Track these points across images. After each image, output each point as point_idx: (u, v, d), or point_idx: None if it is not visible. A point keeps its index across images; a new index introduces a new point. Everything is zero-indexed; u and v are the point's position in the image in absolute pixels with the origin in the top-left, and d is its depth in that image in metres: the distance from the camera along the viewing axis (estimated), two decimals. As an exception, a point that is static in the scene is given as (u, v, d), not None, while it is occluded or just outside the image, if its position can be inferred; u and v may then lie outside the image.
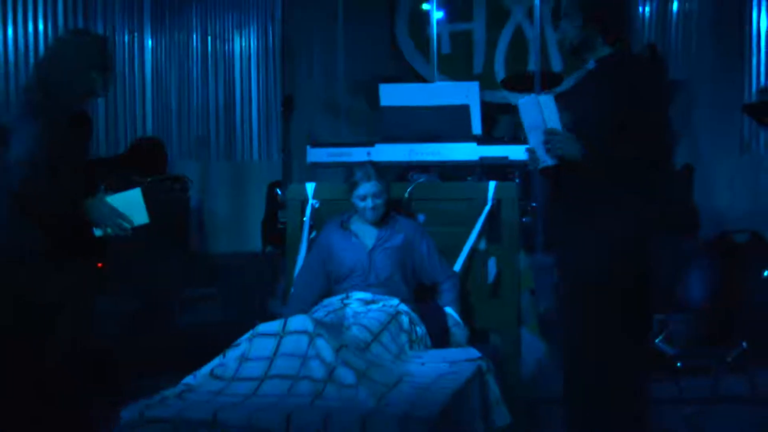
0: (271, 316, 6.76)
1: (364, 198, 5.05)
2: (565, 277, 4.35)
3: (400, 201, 5.34)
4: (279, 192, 8.26)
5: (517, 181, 6.15)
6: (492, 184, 5.23)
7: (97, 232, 4.45)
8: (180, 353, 6.02)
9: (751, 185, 8.57)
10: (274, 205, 8.26)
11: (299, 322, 4.08)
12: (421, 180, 6.29)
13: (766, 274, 4.25)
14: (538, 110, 4.06)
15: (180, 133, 9.16)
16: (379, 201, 5.04)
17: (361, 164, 5.20)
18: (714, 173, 8.41)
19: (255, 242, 8.62)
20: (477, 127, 6.49)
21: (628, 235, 4.12)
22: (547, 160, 4.12)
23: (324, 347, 3.92)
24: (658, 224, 4.27)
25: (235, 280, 7.56)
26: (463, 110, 6.38)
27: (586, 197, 4.15)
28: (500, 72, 9.15)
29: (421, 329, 4.78)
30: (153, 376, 5.38)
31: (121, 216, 4.42)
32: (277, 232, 8.07)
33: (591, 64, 4.28)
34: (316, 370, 3.85)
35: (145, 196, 4.54)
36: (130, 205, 4.45)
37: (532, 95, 4.09)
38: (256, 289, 7.35)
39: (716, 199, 8.41)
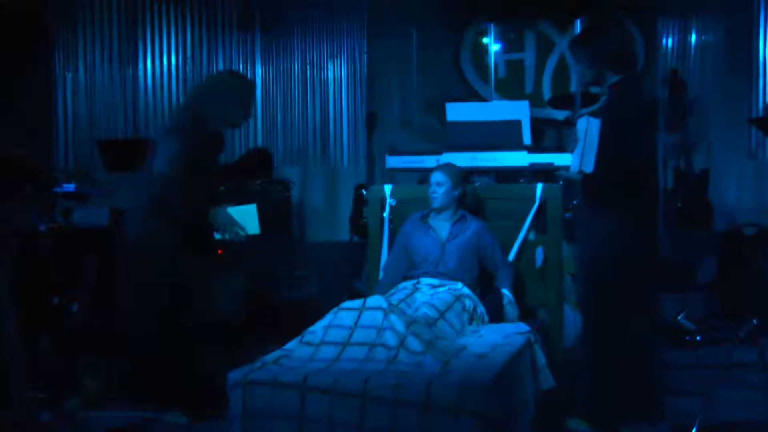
0: (356, 295, 6.72)
1: (431, 185, 4.97)
2: (583, 265, 4.20)
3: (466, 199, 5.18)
4: (364, 192, 8.18)
5: (560, 183, 5.96)
6: (540, 186, 5.11)
7: (217, 236, 4.43)
8: (283, 324, 5.98)
9: (756, 186, 8.30)
10: (359, 203, 8.18)
11: (376, 300, 4.02)
12: (481, 183, 6.18)
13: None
14: (584, 128, 3.93)
15: (284, 144, 9.09)
16: (440, 189, 4.93)
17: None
18: (725, 176, 8.18)
19: (343, 233, 8.54)
20: (527, 138, 6.35)
21: (635, 229, 4.02)
22: (575, 167, 4.00)
23: (396, 321, 3.85)
24: (657, 220, 4.15)
25: (328, 264, 7.47)
26: (516, 124, 6.26)
27: (601, 199, 4.00)
28: (547, 93, 8.95)
29: (480, 308, 4.67)
30: (261, 344, 5.34)
31: (238, 225, 4.42)
32: (361, 226, 8.03)
33: (595, 89, 4.19)
34: (390, 338, 3.77)
35: (260, 210, 4.54)
36: (246, 216, 4.49)
37: (587, 116, 3.95)
38: (345, 271, 7.26)
39: (727, 198, 8.20)
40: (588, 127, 3.93)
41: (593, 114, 4.05)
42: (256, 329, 5.97)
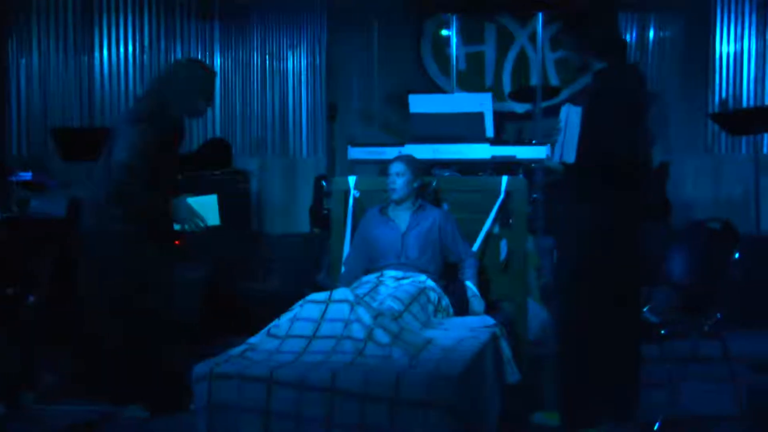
0: (318, 287, 6.64)
1: (389, 175, 4.91)
2: (564, 256, 4.15)
3: (427, 191, 5.12)
4: (324, 184, 8.11)
5: (520, 176, 5.95)
6: (504, 179, 5.07)
7: (176, 227, 4.41)
8: (244, 317, 5.90)
9: (712, 180, 8.42)
10: (320, 195, 8.11)
11: (342, 293, 3.96)
12: (445, 174, 6.13)
13: (737, 256, 4.02)
14: (565, 118, 3.87)
15: (243, 135, 8.97)
16: (399, 180, 4.88)
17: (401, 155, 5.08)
18: (682, 170, 8.23)
19: (303, 225, 8.47)
20: (490, 131, 6.30)
21: (617, 220, 3.96)
22: (557, 158, 3.93)
23: (363, 313, 3.80)
24: (641, 212, 4.11)
25: (288, 256, 7.39)
26: (479, 116, 6.19)
27: (582, 190, 3.97)
28: (507, 86, 8.94)
29: (445, 301, 4.62)
30: (222, 337, 5.27)
31: (198, 216, 4.36)
32: (322, 217, 7.96)
33: (591, 76, 4.11)
34: (357, 331, 3.72)
35: (219, 201, 4.46)
36: (206, 207, 4.41)
37: (568, 104, 3.90)
38: (306, 263, 7.19)
39: (683, 192, 8.27)
40: (568, 116, 3.86)
41: (574, 102, 3.98)
42: (216, 322, 5.88)
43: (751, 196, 7.66)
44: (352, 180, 5.31)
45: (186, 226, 4.40)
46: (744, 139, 8.15)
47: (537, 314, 5.42)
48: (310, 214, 8.25)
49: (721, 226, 4.33)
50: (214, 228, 4.49)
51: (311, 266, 7.11)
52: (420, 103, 6.54)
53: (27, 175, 5.54)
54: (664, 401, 4.28)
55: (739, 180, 8.20)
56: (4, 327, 4.98)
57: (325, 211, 7.96)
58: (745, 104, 8.25)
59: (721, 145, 8.39)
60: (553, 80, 8.67)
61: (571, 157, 3.86)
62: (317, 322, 3.81)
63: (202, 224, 4.40)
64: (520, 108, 8.58)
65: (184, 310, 5.07)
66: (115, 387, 4.42)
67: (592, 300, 3.95)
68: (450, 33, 8.59)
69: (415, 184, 4.93)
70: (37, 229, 5.36)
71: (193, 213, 4.39)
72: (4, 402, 4.48)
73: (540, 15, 7.59)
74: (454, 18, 8.10)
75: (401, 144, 6.04)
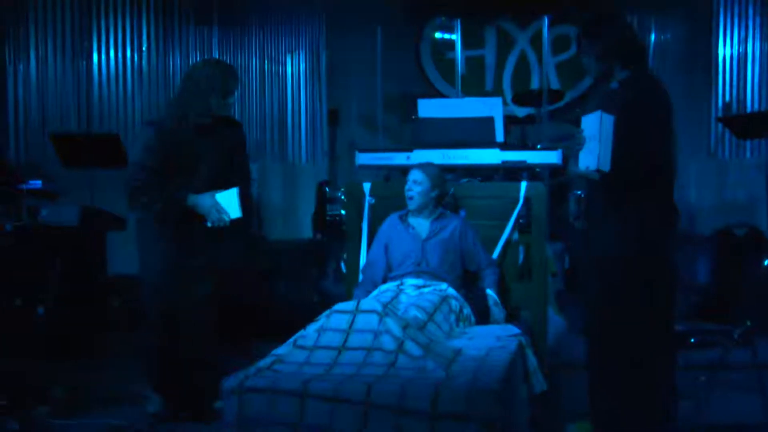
0: (324, 294, 6.56)
1: (408, 181, 4.85)
2: (601, 265, 4.06)
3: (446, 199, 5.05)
4: (327, 189, 8.04)
5: (523, 182, 5.86)
6: (524, 184, 4.98)
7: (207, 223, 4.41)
8: (252, 322, 5.82)
9: (716, 184, 8.37)
10: (323, 200, 8.04)
11: (370, 303, 3.89)
12: (464, 181, 6.05)
13: (766, 263, 3.97)
14: (598, 125, 3.79)
15: (241, 139, 8.86)
16: (417, 188, 4.80)
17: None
18: (685, 174, 8.18)
19: (303, 230, 8.42)
20: (500, 135, 6.23)
21: (650, 228, 3.89)
22: (592, 166, 3.85)
23: (392, 324, 3.74)
24: (673, 219, 4.04)
25: (292, 263, 7.30)
26: (489, 121, 6.13)
27: (617, 197, 3.89)
28: (507, 89, 8.91)
29: (466, 309, 4.55)
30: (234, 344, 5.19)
31: (222, 210, 4.36)
32: (326, 223, 7.88)
33: (614, 85, 4.04)
34: (387, 343, 3.65)
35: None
36: (229, 200, 4.38)
37: (599, 112, 3.81)
38: (310, 270, 7.10)
39: (687, 196, 8.24)
40: (602, 124, 3.79)
41: (585, 109, 3.92)
42: (225, 329, 5.79)
43: (756, 200, 7.62)
44: (367, 186, 5.23)
45: (209, 222, 4.38)
46: (749, 143, 8.10)
47: (554, 322, 5.35)
48: (313, 220, 8.18)
49: (748, 232, 4.27)
50: (238, 220, 4.44)
51: (316, 273, 7.02)
52: (429, 108, 6.49)
53: (37, 183, 5.43)
54: (692, 411, 4.22)
55: (743, 184, 8.16)
56: (14, 339, 4.89)
57: (329, 217, 7.92)
58: (749, 108, 8.20)
59: (725, 150, 8.34)
60: (554, 84, 8.63)
61: (607, 165, 3.80)
62: (345, 333, 3.73)
63: (226, 218, 4.39)
64: (521, 112, 8.52)
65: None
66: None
67: (626, 310, 3.88)
68: (449, 37, 8.58)
69: (433, 194, 4.85)
70: (48, 238, 5.25)
71: (217, 208, 4.38)
72: (17, 417, 4.39)
73: (546, 18, 7.52)
74: (458, 22, 8.01)
75: (410, 149, 5.96)
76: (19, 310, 4.98)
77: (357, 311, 3.81)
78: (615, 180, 3.83)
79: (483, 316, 4.62)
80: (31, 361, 4.92)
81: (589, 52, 4.04)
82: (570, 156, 4.08)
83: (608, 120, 3.78)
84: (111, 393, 4.88)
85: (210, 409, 4.30)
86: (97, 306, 5.63)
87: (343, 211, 7.82)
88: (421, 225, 4.85)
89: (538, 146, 6.55)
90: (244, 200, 4.44)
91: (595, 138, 3.81)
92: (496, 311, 4.67)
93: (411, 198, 4.83)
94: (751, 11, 8.27)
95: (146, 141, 4.37)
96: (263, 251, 7.71)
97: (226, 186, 4.42)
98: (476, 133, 6.08)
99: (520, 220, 4.97)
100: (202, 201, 4.37)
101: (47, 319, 4.96)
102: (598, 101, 4.08)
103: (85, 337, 5.32)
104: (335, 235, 7.52)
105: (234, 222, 4.41)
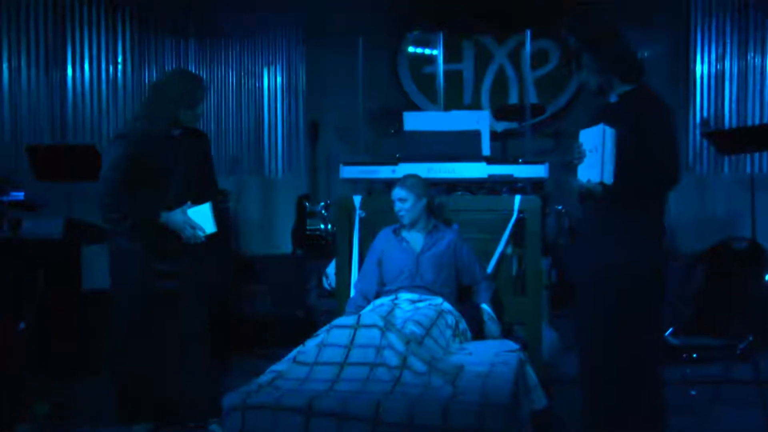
0: (309, 309, 6.46)
1: (394, 202, 4.79)
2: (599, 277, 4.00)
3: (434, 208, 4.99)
4: (307, 204, 7.94)
5: (518, 196, 5.81)
6: (518, 198, 4.94)
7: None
8: (240, 339, 5.69)
9: (695, 200, 8.35)
10: (302, 215, 7.94)
11: (371, 317, 3.82)
12: (457, 194, 6.00)
13: (767, 278, 3.94)
14: (601, 139, 3.75)
15: (218, 153, 8.71)
16: (405, 205, 4.74)
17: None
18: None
19: (283, 245, 8.29)
20: (486, 149, 6.16)
21: (653, 241, 3.87)
22: (594, 179, 3.80)
23: (395, 339, 3.67)
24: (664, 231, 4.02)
25: (274, 278, 7.18)
26: (475, 135, 6.07)
27: (623, 209, 3.85)
28: (485, 104, 8.90)
29: (462, 324, 4.49)
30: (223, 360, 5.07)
31: (196, 226, 4.24)
32: (306, 238, 7.79)
33: (613, 98, 4.00)
34: (390, 358, 3.59)
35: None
36: (202, 216, 4.23)
37: (601, 125, 3.77)
38: (292, 285, 6.99)
39: (666, 210, 8.20)
40: (605, 138, 3.75)
41: (608, 123, 3.86)
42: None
43: (736, 215, 7.63)
44: (357, 200, 5.15)
45: (185, 238, 4.25)
46: (726, 158, 8.12)
47: (547, 336, 5.29)
48: (292, 235, 8.07)
49: (748, 246, 4.25)
50: (213, 235, 4.32)
51: (299, 288, 6.92)
52: (415, 121, 6.42)
53: (19, 195, 5.28)
54: (693, 426, 4.17)
55: (722, 199, 8.18)
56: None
57: (308, 232, 7.83)
58: (727, 124, 8.22)
59: (703, 165, 8.36)
60: (533, 98, 8.61)
61: (610, 178, 3.76)
62: (347, 348, 3.66)
63: (201, 234, 4.26)
64: (499, 127, 8.47)
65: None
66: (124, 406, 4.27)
67: (625, 324, 3.83)
68: (427, 51, 8.51)
69: (421, 204, 4.79)
70: (30, 251, 5.10)
71: (190, 224, 4.24)
72: (-1, 434, 4.25)
73: (528, 32, 7.49)
74: (441, 36, 7.96)
75: (395, 163, 5.90)
76: (0, 325, 4.82)
77: (358, 326, 3.74)
78: (623, 192, 3.78)
79: (477, 331, 4.56)
80: (13, 377, 4.75)
81: (590, 65, 4.00)
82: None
83: (611, 133, 3.75)
84: (96, 408, 4.73)
85: (204, 428, 4.18)
86: (79, 320, 5.48)
87: (322, 226, 7.79)
88: (415, 239, 4.79)
89: (520, 160, 6.51)
90: (217, 213, 4.33)
91: (596, 151, 3.78)
92: (492, 326, 4.61)
93: (402, 216, 4.77)
94: (728, 29, 8.28)
95: (115, 155, 4.22)
96: (241, 266, 7.60)
97: (198, 198, 4.28)
98: (462, 146, 6.03)
99: (514, 234, 4.91)
100: (174, 218, 4.23)
101: (29, 333, 4.80)
102: (598, 115, 4.04)
103: (67, 352, 5.15)
104: (316, 251, 7.43)
105: (209, 237, 4.29)
